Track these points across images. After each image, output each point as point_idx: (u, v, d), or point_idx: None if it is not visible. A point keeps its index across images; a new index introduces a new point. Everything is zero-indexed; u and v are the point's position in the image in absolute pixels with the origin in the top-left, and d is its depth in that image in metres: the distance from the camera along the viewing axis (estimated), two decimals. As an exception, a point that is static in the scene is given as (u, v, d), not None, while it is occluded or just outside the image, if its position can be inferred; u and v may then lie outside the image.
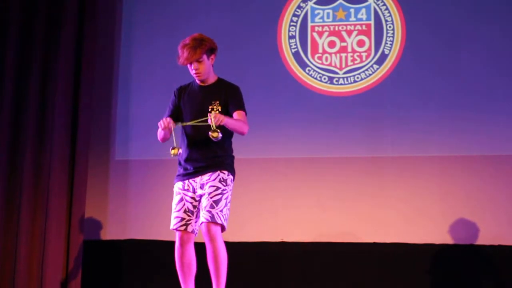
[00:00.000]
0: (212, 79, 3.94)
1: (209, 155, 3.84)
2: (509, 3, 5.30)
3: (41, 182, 5.40)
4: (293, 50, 5.52)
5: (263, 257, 5.20)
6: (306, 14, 5.54)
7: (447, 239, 5.12)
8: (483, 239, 5.09)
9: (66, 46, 5.50)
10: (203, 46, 3.82)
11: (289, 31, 5.54)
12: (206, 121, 3.68)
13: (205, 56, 3.84)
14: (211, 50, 3.88)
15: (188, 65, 3.86)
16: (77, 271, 5.31)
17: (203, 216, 3.75)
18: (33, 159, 5.41)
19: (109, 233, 5.49)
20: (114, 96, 5.66)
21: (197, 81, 3.95)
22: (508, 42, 5.26)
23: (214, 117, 3.62)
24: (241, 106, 3.88)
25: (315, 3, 5.54)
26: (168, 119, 3.81)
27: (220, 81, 3.96)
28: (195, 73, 3.87)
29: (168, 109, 4.00)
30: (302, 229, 5.26)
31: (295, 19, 5.55)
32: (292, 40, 5.53)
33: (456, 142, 5.21)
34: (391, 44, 5.42)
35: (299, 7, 5.55)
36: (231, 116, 3.83)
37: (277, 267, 5.23)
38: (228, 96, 3.87)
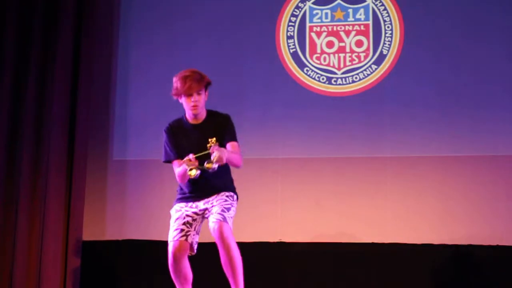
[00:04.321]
0: (203, 114, 3.93)
1: (213, 185, 3.87)
2: (508, 3, 5.30)
3: (39, 182, 5.39)
4: (291, 50, 5.51)
5: (261, 258, 5.19)
6: (304, 14, 5.54)
7: (446, 240, 5.11)
8: (482, 240, 5.08)
9: (64, 46, 5.49)
10: (204, 80, 3.85)
11: (287, 31, 5.54)
12: (208, 154, 3.70)
13: (203, 90, 3.86)
14: (208, 85, 3.90)
15: (185, 98, 3.84)
16: (76, 271, 5.30)
17: (215, 217, 3.74)
18: (30, 159, 5.40)
19: (107, 234, 5.48)
20: (112, 96, 5.65)
21: (189, 117, 3.92)
22: (508, 42, 5.25)
23: (216, 156, 3.63)
24: (233, 137, 3.90)
25: (313, 3, 5.54)
26: (191, 156, 3.72)
27: (210, 114, 3.95)
28: (193, 106, 3.84)
29: (173, 152, 3.91)
30: (301, 229, 5.25)
31: (293, 19, 5.55)
32: (291, 40, 5.53)
33: (455, 142, 5.21)
34: (390, 45, 5.41)
35: (297, 7, 5.55)
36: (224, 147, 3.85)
37: (275, 267, 5.22)
38: (221, 128, 3.88)
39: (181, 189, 3.96)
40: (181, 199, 3.94)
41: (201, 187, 3.87)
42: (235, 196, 3.93)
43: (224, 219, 3.72)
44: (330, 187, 5.29)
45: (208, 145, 3.78)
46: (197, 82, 3.80)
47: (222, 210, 3.76)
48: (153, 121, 5.53)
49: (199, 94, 3.82)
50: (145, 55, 5.65)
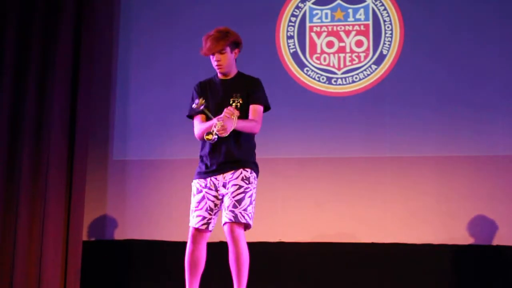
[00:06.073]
0: (233, 73, 3.92)
1: (232, 152, 3.79)
2: (508, 5, 5.30)
3: (39, 182, 5.39)
4: (291, 50, 5.52)
5: (261, 258, 5.18)
6: (304, 14, 5.54)
7: (446, 240, 5.11)
8: (481, 239, 5.09)
9: (64, 46, 5.49)
10: (227, 38, 3.82)
11: (287, 31, 5.54)
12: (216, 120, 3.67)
13: (228, 49, 3.84)
14: (236, 44, 3.88)
15: (211, 57, 3.85)
16: (76, 271, 5.30)
17: (226, 216, 3.71)
18: (31, 159, 5.40)
19: (107, 234, 5.49)
20: (113, 96, 5.66)
21: (218, 75, 3.93)
22: (507, 43, 5.25)
23: (218, 125, 3.59)
24: (258, 100, 3.88)
25: (313, 3, 5.54)
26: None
27: (240, 74, 3.94)
28: (217, 65, 3.85)
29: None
30: (300, 229, 5.26)
31: (293, 19, 5.55)
32: (291, 40, 5.53)
33: (454, 143, 5.22)
34: (389, 45, 5.42)
35: (297, 7, 5.55)
36: (247, 109, 3.82)
37: (275, 267, 5.23)
38: (249, 90, 3.86)
39: (201, 161, 3.87)
40: (200, 174, 3.85)
41: (218, 157, 3.79)
42: (251, 178, 3.79)
43: (235, 217, 3.67)
44: (330, 187, 5.30)
45: (231, 100, 3.76)
46: (218, 41, 3.79)
47: (234, 205, 3.69)
48: (153, 121, 5.53)
49: (221, 53, 3.82)
50: (145, 55, 5.65)
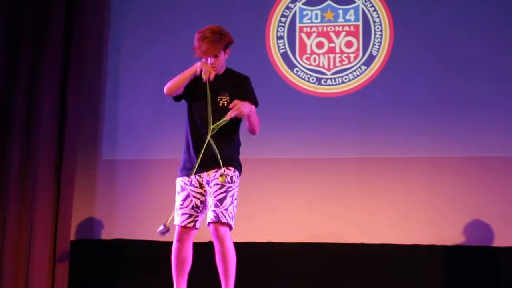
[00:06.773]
0: (222, 70, 3.89)
1: (216, 150, 3.74)
2: (498, 4, 5.32)
3: (28, 181, 5.38)
4: (281, 51, 5.52)
5: (250, 258, 5.19)
6: (294, 14, 5.55)
7: (436, 240, 5.12)
8: (471, 240, 5.10)
9: (54, 45, 5.49)
10: (222, 41, 3.78)
11: (277, 31, 5.54)
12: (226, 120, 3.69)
13: (222, 51, 3.81)
14: (228, 44, 3.84)
15: (203, 59, 3.81)
16: (64, 271, 5.28)
17: (209, 216, 3.70)
18: (20, 158, 5.39)
19: (96, 233, 5.47)
20: (102, 95, 5.64)
21: None
22: (499, 43, 5.27)
23: (236, 109, 3.62)
24: (251, 99, 3.85)
25: (303, 3, 5.55)
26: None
27: (229, 71, 3.92)
28: (211, 68, 3.80)
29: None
30: (290, 229, 5.25)
31: (283, 19, 5.55)
32: (281, 41, 5.53)
33: (445, 143, 5.23)
34: (379, 45, 5.43)
35: (287, 7, 5.56)
36: None
37: (264, 267, 5.22)
38: (237, 88, 3.84)
39: (185, 157, 3.84)
40: (183, 171, 3.83)
41: (202, 154, 3.74)
42: (234, 177, 3.76)
43: (217, 216, 3.65)
44: (319, 187, 5.30)
45: (219, 99, 3.77)
46: (214, 45, 3.74)
47: (216, 205, 3.67)
48: (143, 121, 5.52)
49: (216, 56, 3.78)
50: (135, 55, 5.64)
